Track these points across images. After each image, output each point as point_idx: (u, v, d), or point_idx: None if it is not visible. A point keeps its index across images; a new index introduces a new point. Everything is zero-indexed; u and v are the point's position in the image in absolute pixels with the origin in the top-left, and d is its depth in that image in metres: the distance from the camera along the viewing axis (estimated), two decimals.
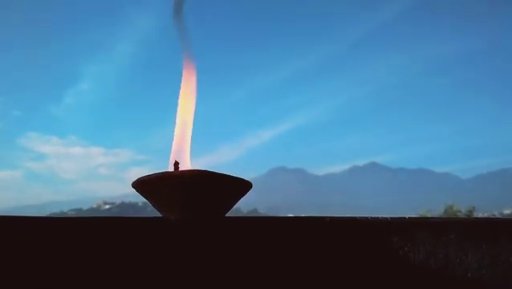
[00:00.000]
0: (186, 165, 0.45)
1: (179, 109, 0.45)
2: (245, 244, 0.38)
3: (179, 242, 0.36)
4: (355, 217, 0.41)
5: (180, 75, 0.45)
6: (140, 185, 0.41)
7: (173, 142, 0.45)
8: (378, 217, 0.41)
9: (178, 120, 0.46)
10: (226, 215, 0.44)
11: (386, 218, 0.41)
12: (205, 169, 0.40)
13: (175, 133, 0.45)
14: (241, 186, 0.42)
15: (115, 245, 0.35)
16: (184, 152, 0.45)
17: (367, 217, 0.40)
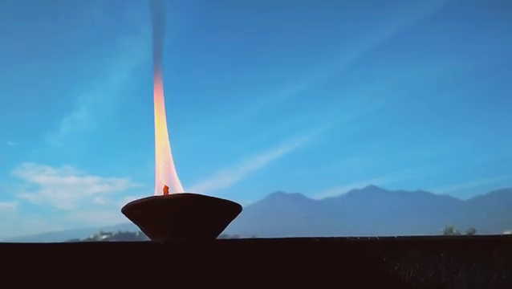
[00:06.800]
0: (177, 190, 0.45)
1: (157, 132, 0.45)
2: (235, 267, 0.38)
3: (168, 266, 0.36)
4: (345, 238, 0.41)
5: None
6: (129, 210, 0.41)
7: (158, 167, 0.45)
8: (367, 237, 0.41)
9: (158, 144, 0.46)
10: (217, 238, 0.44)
11: (375, 238, 0.41)
12: (194, 193, 0.40)
13: (156, 158, 0.45)
14: (230, 209, 0.43)
15: (103, 271, 0.35)
16: (173, 176, 0.45)
17: (356, 237, 0.41)
